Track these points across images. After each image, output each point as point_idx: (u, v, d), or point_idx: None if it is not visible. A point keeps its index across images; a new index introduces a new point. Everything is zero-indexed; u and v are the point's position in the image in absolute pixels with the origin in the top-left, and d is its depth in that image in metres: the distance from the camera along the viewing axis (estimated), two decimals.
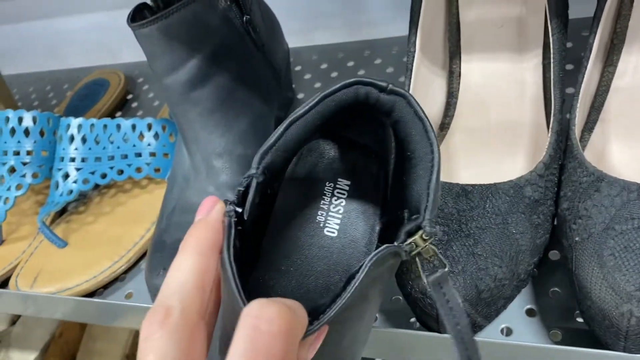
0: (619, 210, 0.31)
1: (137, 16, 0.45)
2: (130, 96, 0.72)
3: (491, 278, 0.32)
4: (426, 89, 0.41)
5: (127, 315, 0.44)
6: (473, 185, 0.34)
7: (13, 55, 0.86)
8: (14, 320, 0.80)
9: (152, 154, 0.54)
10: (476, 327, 0.34)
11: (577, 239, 0.32)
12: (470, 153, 0.39)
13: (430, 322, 0.34)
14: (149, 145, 0.54)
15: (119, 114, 0.69)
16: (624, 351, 0.30)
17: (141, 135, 0.54)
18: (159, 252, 0.43)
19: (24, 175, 0.54)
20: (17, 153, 0.54)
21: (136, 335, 0.78)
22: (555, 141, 0.35)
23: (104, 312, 0.45)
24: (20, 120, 0.55)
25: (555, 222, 0.36)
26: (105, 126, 0.54)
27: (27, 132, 0.55)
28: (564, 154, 0.36)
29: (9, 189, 0.53)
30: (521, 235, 0.33)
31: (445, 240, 0.33)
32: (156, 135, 0.54)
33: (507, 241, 0.33)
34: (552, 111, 0.35)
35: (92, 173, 0.53)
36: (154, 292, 0.42)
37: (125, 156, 0.54)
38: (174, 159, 0.50)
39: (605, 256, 0.30)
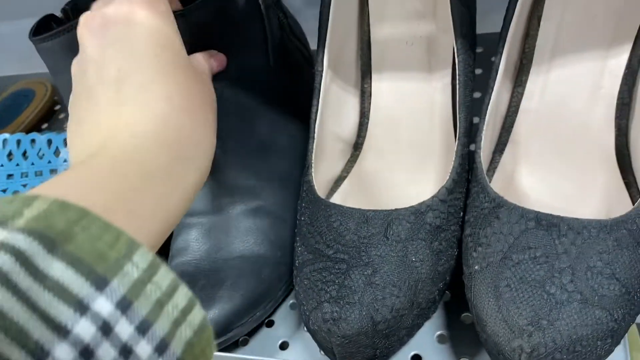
0: (516, 239, 0.30)
1: (41, 29, 0.43)
2: (58, 107, 0.69)
3: (388, 309, 0.31)
4: (339, 108, 0.40)
5: None
6: (375, 211, 0.33)
7: None
8: None
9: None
10: (379, 357, 0.33)
11: (476, 267, 0.31)
12: (381, 175, 0.38)
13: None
14: (65, 161, 0.52)
15: (45, 125, 0.66)
16: None
17: (57, 151, 0.52)
18: None
19: None
20: None
21: None
22: (460, 165, 0.34)
23: None
24: None
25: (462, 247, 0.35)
26: (18, 141, 0.52)
27: None
28: (470, 176, 0.35)
29: None
30: (421, 263, 0.32)
31: (344, 269, 0.32)
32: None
33: (406, 270, 0.32)
34: (457, 134, 0.34)
35: (4, 191, 0.50)
36: None
37: (40, 173, 0.51)
38: None
39: (502, 287, 0.29)
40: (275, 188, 0.42)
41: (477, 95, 0.45)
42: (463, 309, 0.38)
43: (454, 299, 0.38)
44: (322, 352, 0.34)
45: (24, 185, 0.51)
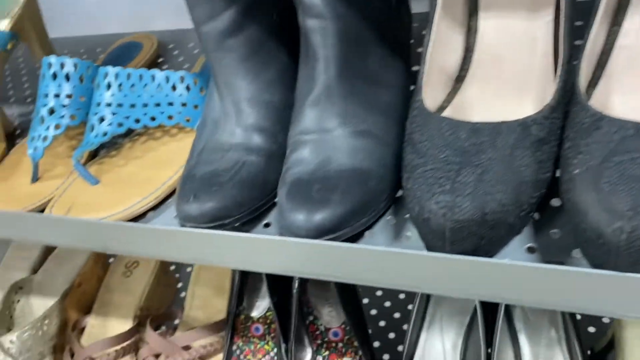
0: (616, 145, 0.34)
1: None
2: (161, 59, 0.75)
3: (496, 202, 0.35)
4: (447, 43, 0.44)
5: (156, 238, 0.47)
6: (484, 123, 0.38)
7: (50, 19, 0.90)
8: (36, 269, 0.83)
9: (183, 104, 0.57)
10: (480, 251, 0.37)
11: (576, 171, 0.35)
12: (483, 102, 0.43)
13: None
14: (180, 95, 0.58)
15: None
16: (615, 269, 0.33)
17: (174, 87, 0.58)
18: (189, 183, 0.47)
19: (62, 117, 0.58)
20: (57, 96, 0.58)
21: (151, 289, 0.81)
22: (562, 88, 0.38)
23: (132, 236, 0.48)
24: (62, 65, 0.58)
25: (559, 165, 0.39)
26: (141, 76, 0.58)
27: (67, 77, 0.59)
28: (569, 102, 0.39)
29: (47, 128, 0.57)
30: (525, 168, 0.37)
31: (456, 169, 0.37)
32: (187, 88, 0.58)
33: (513, 172, 0.36)
34: (560, 62, 0.39)
35: (127, 118, 0.57)
36: (181, 216, 0.46)
37: (158, 104, 0.57)
38: (205, 108, 0.54)
39: (602, 184, 0.33)
40: (381, 115, 0.46)
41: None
42: (551, 227, 0.42)
43: (541, 219, 0.42)
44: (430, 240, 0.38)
45: (145, 114, 0.57)
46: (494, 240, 0.37)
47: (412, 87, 0.47)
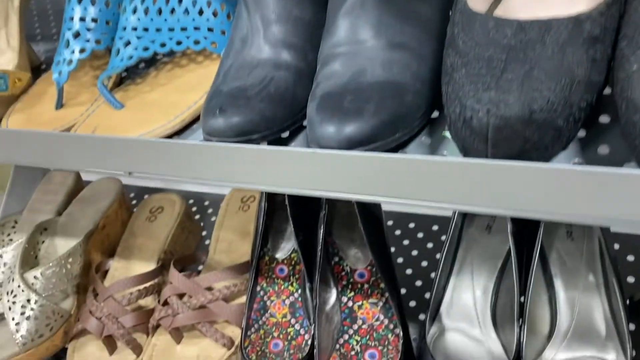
0: None
1: None
2: None
3: (544, 100, 0.33)
4: None
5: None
6: (533, 20, 0.35)
7: None
8: (60, 212, 0.83)
9: (210, 29, 0.56)
10: (524, 155, 0.35)
11: (634, 67, 0.32)
12: (529, 5, 0.40)
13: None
14: (207, 20, 0.56)
15: None
16: None
17: (200, 11, 0.56)
18: (216, 98, 0.45)
19: (87, 40, 0.56)
20: (82, 19, 0.57)
21: (175, 234, 0.80)
22: None
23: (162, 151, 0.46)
24: None
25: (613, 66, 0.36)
26: (167, 0, 0.56)
27: (93, 1, 0.57)
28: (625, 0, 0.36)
29: (72, 52, 0.56)
30: (577, 66, 0.34)
31: (502, 66, 0.34)
32: (214, 14, 0.56)
33: (564, 70, 0.34)
34: None
35: (152, 42, 0.55)
36: (207, 131, 0.44)
37: (185, 29, 0.56)
38: (232, 30, 0.52)
39: None
40: (417, 28, 0.44)
41: None
42: (599, 144, 0.39)
43: (587, 137, 0.39)
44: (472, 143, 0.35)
45: (170, 38, 0.55)
46: (539, 146, 0.35)
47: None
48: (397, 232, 0.79)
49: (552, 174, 0.33)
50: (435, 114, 0.45)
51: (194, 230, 0.86)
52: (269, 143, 0.46)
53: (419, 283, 0.72)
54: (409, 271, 0.73)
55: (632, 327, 0.60)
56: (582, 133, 0.39)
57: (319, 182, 0.42)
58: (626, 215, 0.33)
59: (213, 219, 0.89)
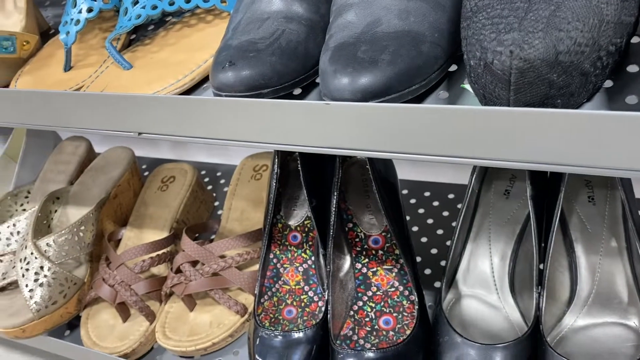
0: None
1: None
2: None
3: (572, 40, 0.31)
4: None
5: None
6: None
7: None
8: (72, 182, 0.83)
9: None
10: (548, 102, 0.33)
11: None
12: None
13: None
14: None
15: None
16: None
17: None
18: (225, 51, 0.44)
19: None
20: None
21: (187, 203, 0.80)
22: None
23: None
24: None
25: None
26: None
27: None
28: None
29: (80, 11, 0.55)
30: (606, 5, 0.32)
31: (526, 7, 0.32)
32: None
33: (592, 8, 0.32)
34: None
35: (154, 8, 0.53)
36: (216, 85, 0.43)
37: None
38: None
39: None
40: None
41: None
42: (628, 94, 0.37)
43: (615, 87, 0.37)
44: (493, 89, 0.33)
45: (171, 4, 0.54)
46: (564, 92, 0.33)
47: None
48: (413, 201, 0.77)
49: (580, 120, 0.31)
50: (454, 67, 0.43)
51: (206, 199, 0.85)
52: (282, 97, 0.44)
53: (434, 251, 0.70)
54: (424, 239, 0.72)
55: None
56: (609, 83, 0.38)
57: (333, 138, 0.41)
58: None
59: (225, 189, 0.88)
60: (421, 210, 0.76)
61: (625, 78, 0.38)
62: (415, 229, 0.73)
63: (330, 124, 0.40)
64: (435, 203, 0.76)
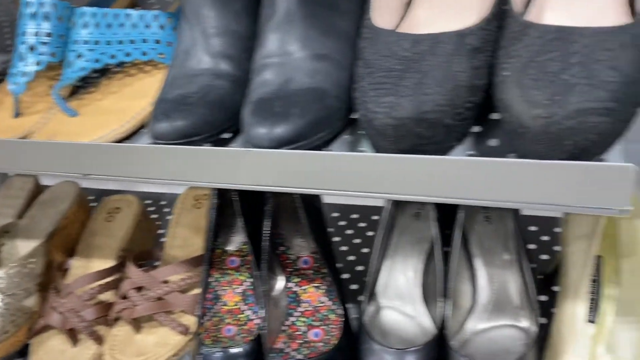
0: (540, 48, 0.38)
1: None
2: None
3: (432, 102, 0.39)
4: None
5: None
6: (426, 34, 0.42)
7: None
8: (21, 215, 0.86)
9: (157, 41, 0.61)
10: (423, 149, 0.41)
11: (505, 73, 0.39)
12: (430, 21, 0.46)
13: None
14: (154, 33, 0.61)
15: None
16: (537, 156, 0.37)
17: (148, 25, 0.61)
18: (162, 104, 0.50)
19: (42, 54, 0.61)
20: (36, 34, 0.61)
21: (132, 232, 0.85)
22: (497, 3, 0.42)
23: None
24: (41, 5, 0.61)
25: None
26: (116, 15, 0.61)
27: (46, 16, 0.61)
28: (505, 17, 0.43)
29: (28, 64, 0.60)
30: (461, 73, 0.41)
31: (399, 75, 0.41)
32: (161, 27, 0.61)
33: (450, 77, 0.40)
34: None
35: (103, 54, 0.60)
36: (154, 135, 0.49)
37: (133, 41, 0.61)
38: (177, 42, 0.57)
39: (525, 80, 0.37)
40: (339, 41, 0.50)
41: None
42: (490, 137, 0.46)
43: (483, 131, 0.46)
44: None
45: (120, 50, 0.60)
46: (435, 141, 0.41)
47: None
48: (342, 223, 0.86)
49: (440, 163, 0.40)
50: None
51: (150, 228, 0.90)
52: (212, 143, 0.51)
53: (360, 268, 0.78)
54: (352, 257, 0.80)
55: (545, 297, 0.68)
56: (477, 128, 0.47)
57: (254, 178, 0.48)
58: (501, 197, 0.40)
59: (169, 217, 0.94)
60: (349, 231, 0.84)
61: (491, 124, 0.47)
62: (344, 248, 0.81)
63: (253, 166, 0.47)
64: (362, 224, 0.84)
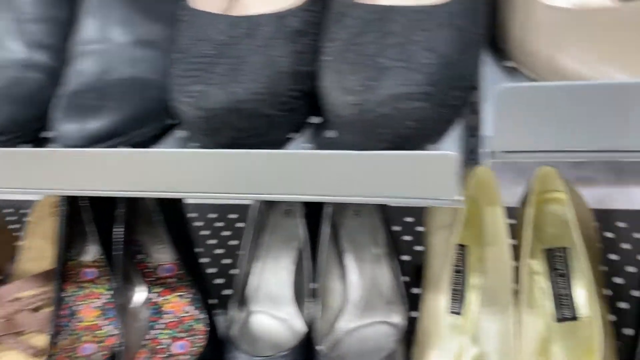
0: (360, 29, 0.35)
1: None
2: None
3: (249, 91, 0.35)
4: None
5: None
6: (243, 17, 0.38)
7: None
8: None
9: None
10: (244, 142, 0.37)
11: (325, 58, 0.36)
12: (258, 3, 0.42)
13: None
14: None
15: None
16: (359, 147, 0.34)
17: None
18: None
19: None
20: None
21: None
22: None
23: None
24: None
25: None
26: None
27: None
28: None
29: None
30: (282, 58, 0.37)
31: (213, 61, 0.36)
32: None
33: (269, 62, 0.36)
34: None
35: None
36: None
37: None
38: None
39: (343, 65, 0.34)
40: (166, 26, 0.45)
41: None
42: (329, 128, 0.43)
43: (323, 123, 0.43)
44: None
45: None
46: (257, 134, 0.37)
47: None
48: (219, 224, 0.81)
49: (268, 157, 0.36)
50: None
51: (7, 240, 0.82)
52: (26, 143, 0.45)
53: (236, 271, 0.74)
54: (227, 261, 0.75)
55: (417, 290, 0.67)
56: (316, 119, 0.43)
57: (71, 181, 0.42)
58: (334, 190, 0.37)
59: None
60: (226, 232, 0.79)
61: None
62: (219, 251, 0.77)
63: (69, 168, 0.42)
64: (240, 224, 0.80)
